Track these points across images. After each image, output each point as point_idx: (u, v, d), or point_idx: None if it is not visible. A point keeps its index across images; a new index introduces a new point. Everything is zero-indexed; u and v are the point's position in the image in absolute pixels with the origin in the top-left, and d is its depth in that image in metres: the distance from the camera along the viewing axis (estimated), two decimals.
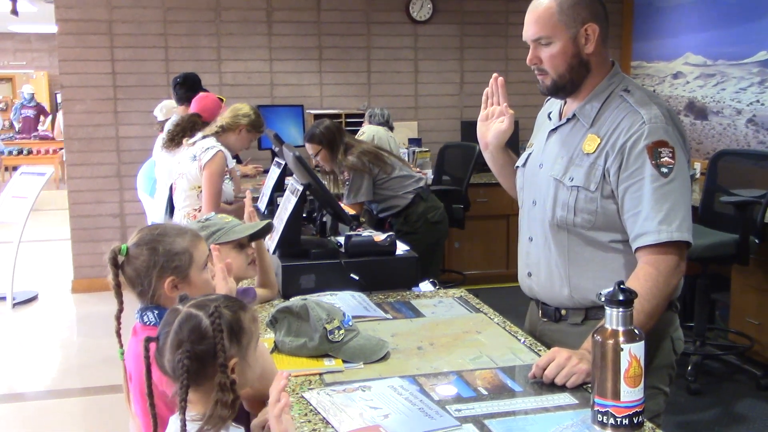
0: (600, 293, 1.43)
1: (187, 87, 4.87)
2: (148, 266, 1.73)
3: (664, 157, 1.76)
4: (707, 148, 5.87)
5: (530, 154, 2.06)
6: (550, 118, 2.05)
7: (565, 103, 2.00)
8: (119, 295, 1.71)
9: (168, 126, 4.45)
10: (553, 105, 2.07)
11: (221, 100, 4.55)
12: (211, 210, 3.50)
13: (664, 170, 1.75)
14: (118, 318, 1.72)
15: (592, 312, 1.91)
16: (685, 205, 1.78)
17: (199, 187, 3.65)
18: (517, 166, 2.11)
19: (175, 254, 1.76)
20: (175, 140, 3.90)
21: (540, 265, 1.99)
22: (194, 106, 4.34)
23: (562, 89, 1.91)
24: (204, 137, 3.71)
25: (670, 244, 1.75)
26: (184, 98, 4.85)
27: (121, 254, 1.73)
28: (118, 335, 1.74)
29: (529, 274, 2.04)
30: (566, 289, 1.93)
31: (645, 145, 1.77)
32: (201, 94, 4.60)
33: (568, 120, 1.95)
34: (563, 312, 1.97)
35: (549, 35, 1.85)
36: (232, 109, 3.84)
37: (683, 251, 1.78)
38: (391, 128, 5.84)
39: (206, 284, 1.80)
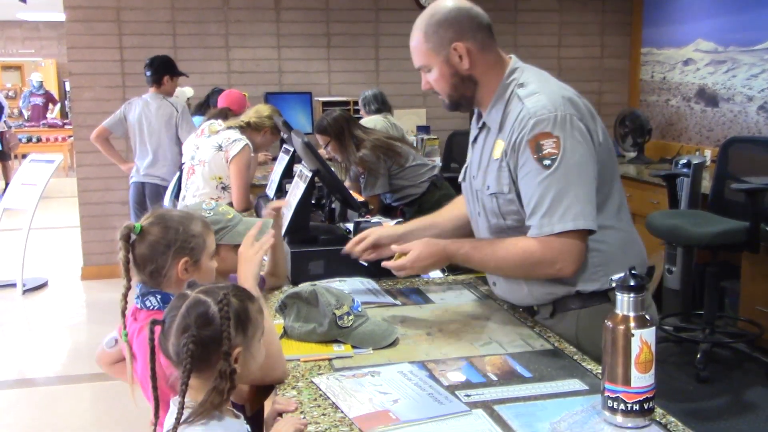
0: (611, 278, 1.42)
1: (154, 69, 5.08)
2: (167, 243, 1.72)
3: (546, 149, 1.75)
4: (718, 135, 5.84)
5: (466, 167, 2.09)
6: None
7: (480, 114, 2.00)
8: (127, 272, 1.69)
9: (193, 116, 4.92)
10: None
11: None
12: (243, 203, 3.58)
13: (547, 162, 1.75)
14: (125, 296, 1.70)
15: (559, 304, 1.92)
16: (573, 192, 1.74)
17: (220, 178, 3.67)
18: (460, 182, 2.14)
19: (193, 236, 1.76)
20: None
21: None
22: (222, 102, 4.76)
23: (460, 105, 1.95)
24: (228, 128, 3.72)
25: (558, 234, 1.75)
26: (151, 81, 5.09)
27: (134, 232, 1.72)
28: (124, 315, 1.72)
29: (494, 284, 2.10)
30: (524, 288, 1.95)
31: (527, 141, 1.77)
32: (225, 91, 5.07)
33: (480, 129, 1.98)
34: (535, 308, 2.00)
35: (425, 64, 1.90)
36: (255, 110, 3.95)
37: (575, 239, 1.76)
38: (390, 110, 5.66)
39: (212, 273, 1.81)
